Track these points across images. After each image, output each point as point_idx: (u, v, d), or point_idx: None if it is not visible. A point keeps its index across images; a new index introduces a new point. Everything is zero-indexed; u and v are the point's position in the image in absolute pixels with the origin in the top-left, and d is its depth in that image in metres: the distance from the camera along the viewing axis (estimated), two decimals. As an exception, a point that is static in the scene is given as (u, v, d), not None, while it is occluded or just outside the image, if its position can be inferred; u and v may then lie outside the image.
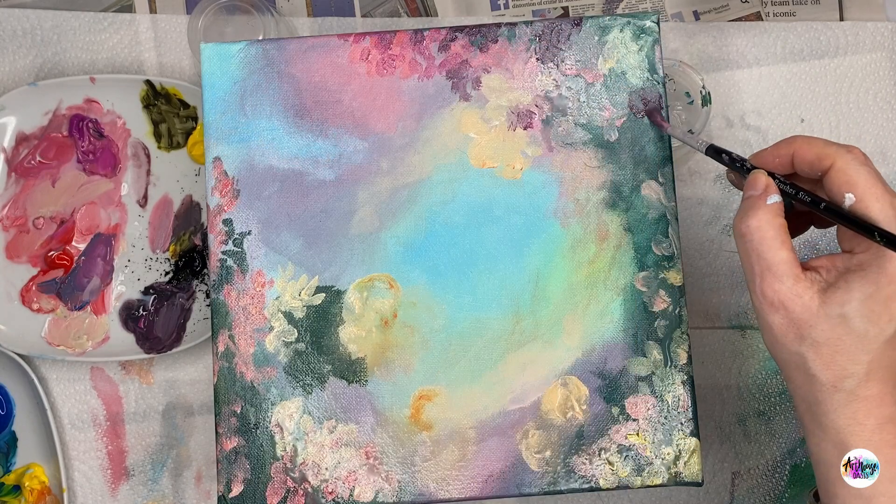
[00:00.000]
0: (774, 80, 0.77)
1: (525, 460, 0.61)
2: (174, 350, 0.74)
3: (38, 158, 0.77)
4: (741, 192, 0.73)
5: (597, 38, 0.64)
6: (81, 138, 0.78)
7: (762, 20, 0.79)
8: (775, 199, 0.50)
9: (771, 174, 0.52)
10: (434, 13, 0.80)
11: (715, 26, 0.78)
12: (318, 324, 0.63)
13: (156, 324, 0.76)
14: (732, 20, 0.79)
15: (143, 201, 0.78)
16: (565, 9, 0.80)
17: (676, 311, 0.62)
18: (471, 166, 0.63)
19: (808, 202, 0.50)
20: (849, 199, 0.48)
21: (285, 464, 0.61)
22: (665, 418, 0.61)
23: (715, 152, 0.57)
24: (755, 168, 0.53)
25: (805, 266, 0.50)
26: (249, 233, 0.63)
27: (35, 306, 0.76)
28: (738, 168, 0.55)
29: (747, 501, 0.74)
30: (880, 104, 0.77)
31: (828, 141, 0.50)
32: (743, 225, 0.51)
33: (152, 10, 0.81)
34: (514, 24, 0.64)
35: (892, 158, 0.76)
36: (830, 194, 0.49)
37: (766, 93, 0.77)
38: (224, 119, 0.64)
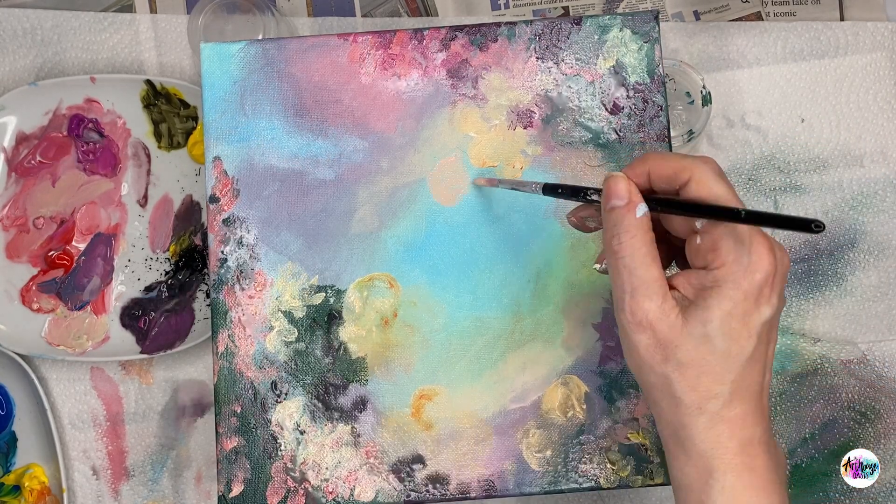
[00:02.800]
0: (774, 80, 0.77)
1: (526, 459, 0.61)
2: (174, 350, 0.74)
3: (38, 158, 0.77)
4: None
5: (596, 37, 0.64)
6: (81, 138, 0.77)
7: (762, 20, 0.79)
8: (644, 209, 0.48)
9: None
10: (434, 13, 0.80)
11: (715, 26, 0.78)
12: (319, 323, 0.63)
13: (156, 324, 0.76)
14: (732, 20, 0.79)
15: (144, 201, 0.78)
16: (566, 8, 0.80)
17: (677, 310, 0.62)
18: (471, 165, 0.63)
19: (672, 206, 0.49)
20: (699, 223, 0.48)
21: (286, 463, 0.61)
22: (665, 418, 0.61)
23: (551, 189, 0.55)
24: (597, 201, 0.51)
25: (668, 283, 0.49)
26: (249, 232, 0.63)
27: (35, 306, 0.76)
28: (582, 199, 0.52)
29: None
30: (880, 104, 0.77)
31: (682, 154, 0.50)
32: (615, 241, 0.49)
33: (152, 10, 0.81)
34: (513, 24, 0.64)
35: (893, 158, 0.76)
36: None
37: (766, 93, 0.77)
38: (224, 119, 0.64)
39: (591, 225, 0.55)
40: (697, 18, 0.79)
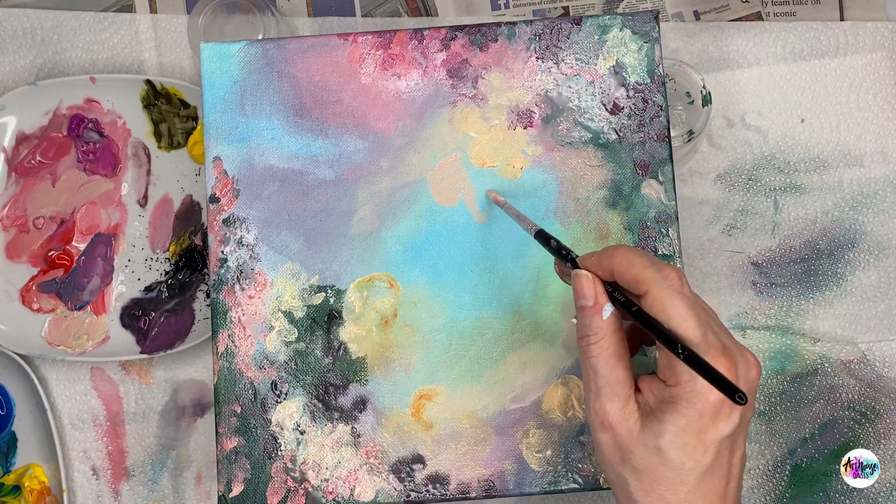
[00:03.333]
0: (774, 80, 0.77)
1: (526, 459, 0.61)
2: (174, 350, 0.74)
3: (38, 158, 0.77)
4: (739, 196, 0.74)
5: (596, 37, 0.64)
6: (81, 138, 0.77)
7: (762, 20, 0.79)
8: (609, 310, 0.49)
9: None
10: (434, 13, 0.80)
11: (715, 26, 0.78)
12: (319, 323, 0.63)
13: (156, 324, 0.76)
14: (732, 20, 0.79)
15: (144, 201, 0.78)
16: (566, 8, 0.80)
17: (677, 311, 0.62)
18: (471, 165, 0.63)
19: (630, 312, 0.49)
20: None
21: (286, 463, 0.61)
22: (665, 418, 0.61)
23: (543, 238, 0.55)
24: (578, 268, 0.51)
25: (637, 384, 0.50)
26: (249, 232, 0.63)
27: (35, 306, 0.76)
28: (564, 258, 0.53)
29: (747, 501, 0.74)
30: (880, 104, 0.77)
31: (647, 262, 0.49)
32: (584, 344, 0.50)
33: (152, 10, 0.81)
34: (513, 24, 0.64)
35: (892, 158, 0.76)
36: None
37: (766, 93, 0.77)
38: (224, 119, 0.64)
39: (569, 282, 0.54)
40: (697, 18, 0.79)
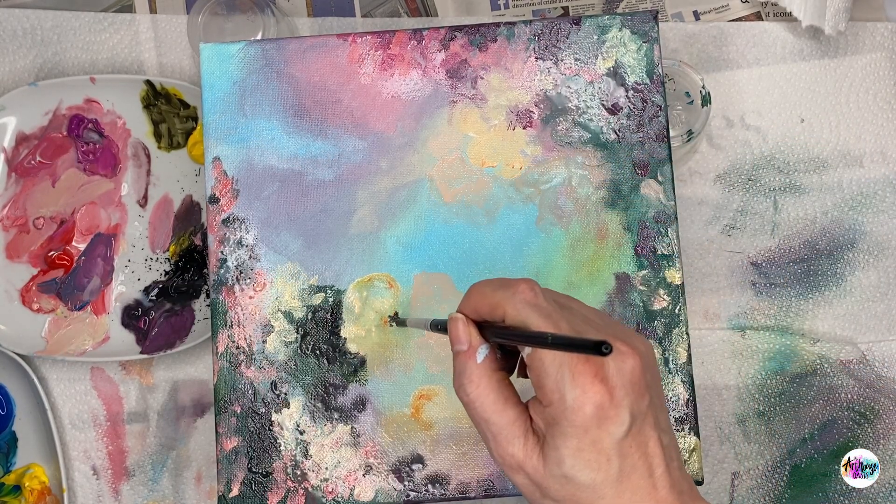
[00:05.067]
0: (774, 80, 0.77)
1: (525, 459, 0.61)
2: (174, 350, 0.74)
3: (38, 158, 0.77)
4: (739, 196, 0.74)
5: (596, 37, 0.64)
6: (81, 138, 0.78)
7: (762, 20, 0.79)
8: (484, 352, 0.47)
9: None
10: (434, 13, 0.80)
11: (715, 26, 0.78)
12: (318, 323, 0.63)
13: (156, 324, 0.76)
14: (732, 20, 0.79)
15: (143, 201, 0.78)
16: (565, 9, 0.80)
17: (676, 311, 0.62)
18: (471, 165, 0.63)
19: (499, 335, 0.47)
20: (526, 351, 0.46)
21: (285, 463, 0.61)
22: (665, 418, 0.61)
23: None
24: (450, 315, 0.50)
25: (531, 412, 0.47)
26: (249, 233, 0.63)
27: (35, 306, 0.76)
28: (441, 330, 0.51)
29: (747, 502, 0.74)
30: (880, 104, 0.77)
31: (496, 285, 0.48)
32: (462, 393, 0.47)
33: (152, 10, 0.81)
34: (513, 24, 0.64)
35: (892, 158, 0.76)
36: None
37: (766, 93, 0.77)
38: (223, 119, 0.64)
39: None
40: (697, 18, 0.79)
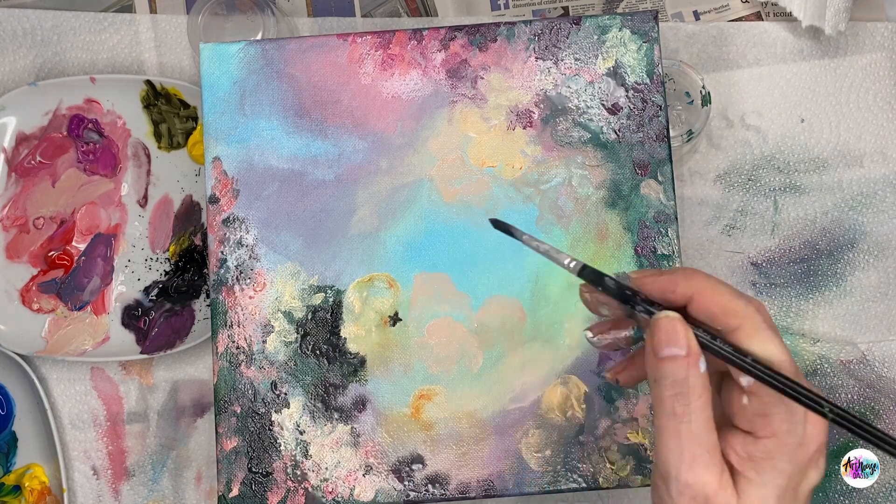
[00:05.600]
0: (774, 80, 0.77)
1: (525, 459, 0.61)
2: (174, 350, 0.74)
3: (38, 158, 0.77)
4: (739, 196, 0.73)
5: (596, 37, 0.64)
6: (81, 138, 0.78)
7: (762, 20, 0.78)
8: (704, 364, 0.42)
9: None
10: (434, 13, 0.80)
11: (715, 26, 0.78)
12: (318, 323, 0.63)
13: (156, 324, 0.76)
14: (732, 20, 0.79)
15: (144, 201, 0.78)
16: (565, 8, 0.80)
17: (676, 311, 0.62)
18: (471, 165, 0.63)
19: (726, 357, 0.42)
20: (745, 381, 0.42)
21: (285, 463, 0.62)
22: (665, 418, 0.61)
23: (594, 278, 0.45)
24: (659, 309, 0.44)
25: (727, 443, 0.43)
26: (249, 232, 0.63)
27: (35, 306, 0.76)
28: (626, 305, 0.45)
29: (747, 501, 0.74)
30: (880, 104, 0.77)
31: (735, 291, 0.43)
32: (679, 404, 0.42)
33: (152, 10, 0.81)
34: (513, 24, 0.64)
35: (892, 158, 0.76)
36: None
37: (766, 93, 0.77)
38: (223, 119, 0.64)
39: (603, 313, 0.48)
40: (697, 18, 0.79)
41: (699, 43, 0.78)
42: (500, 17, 0.80)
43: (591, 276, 0.46)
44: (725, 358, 0.42)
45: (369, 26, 0.80)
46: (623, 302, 0.45)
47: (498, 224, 0.49)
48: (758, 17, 0.79)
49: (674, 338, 0.42)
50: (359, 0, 0.81)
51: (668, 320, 0.43)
